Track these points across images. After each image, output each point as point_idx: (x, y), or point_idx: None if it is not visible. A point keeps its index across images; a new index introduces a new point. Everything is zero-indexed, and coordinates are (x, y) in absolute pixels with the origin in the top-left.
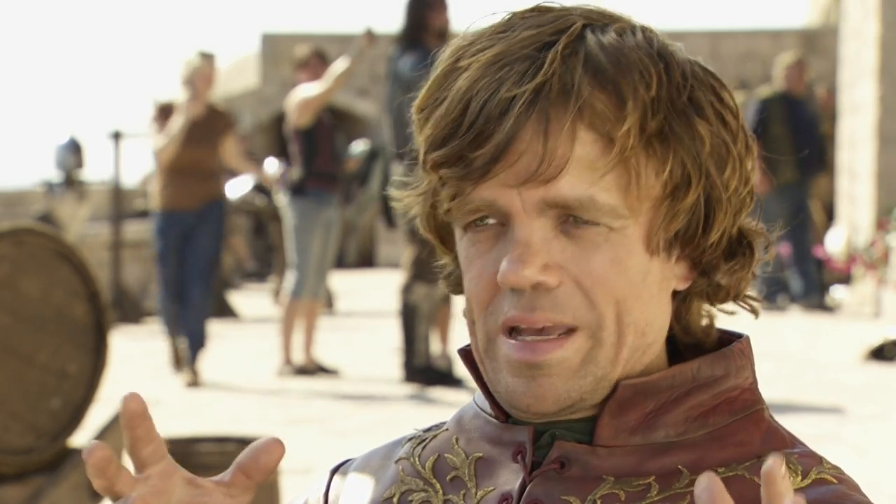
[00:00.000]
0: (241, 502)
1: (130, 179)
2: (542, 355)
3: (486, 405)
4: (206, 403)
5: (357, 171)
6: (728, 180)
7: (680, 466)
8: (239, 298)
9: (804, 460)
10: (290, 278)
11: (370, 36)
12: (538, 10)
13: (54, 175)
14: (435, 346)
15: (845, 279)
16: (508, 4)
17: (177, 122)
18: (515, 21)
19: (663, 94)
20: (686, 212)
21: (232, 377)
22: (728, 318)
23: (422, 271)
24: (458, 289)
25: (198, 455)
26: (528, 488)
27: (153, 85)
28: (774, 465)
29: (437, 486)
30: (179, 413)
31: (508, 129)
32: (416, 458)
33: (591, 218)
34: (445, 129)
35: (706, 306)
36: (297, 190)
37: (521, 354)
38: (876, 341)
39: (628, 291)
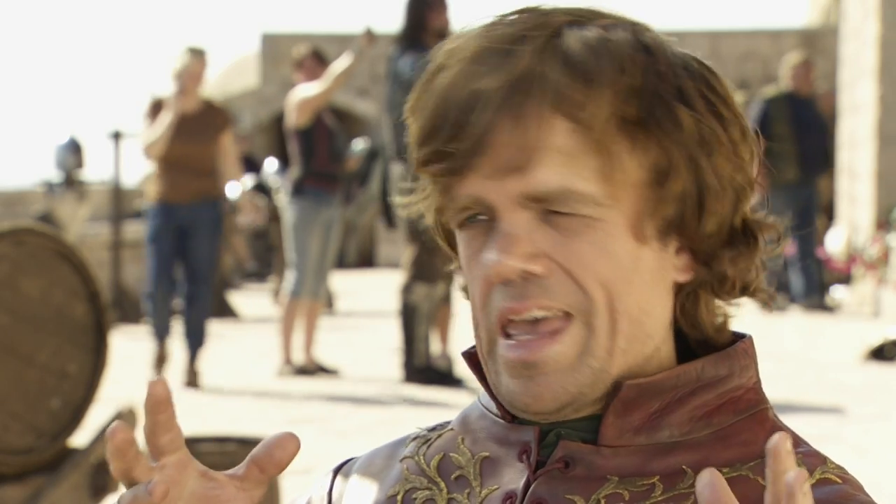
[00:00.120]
0: (254, 496)
1: (130, 179)
2: (538, 352)
3: (491, 406)
4: (206, 403)
5: (357, 171)
6: (720, 168)
7: (684, 466)
8: (239, 298)
9: (808, 460)
10: (289, 278)
11: (370, 36)
12: (525, 11)
13: (54, 175)
14: (435, 346)
15: (845, 279)
16: (508, 4)
17: (164, 118)
18: (499, 21)
19: (646, 82)
20: (675, 199)
21: (232, 377)
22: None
23: (422, 271)
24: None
25: (198, 455)
26: (531, 487)
27: (153, 85)
28: (780, 440)
29: (442, 484)
30: (179, 413)
31: (484, 121)
32: (421, 457)
33: (570, 211)
34: (428, 127)
35: (720, 304)
36: (296, 189)
37: (517, 353)
38: (876, 341)
39: (616, 275)
